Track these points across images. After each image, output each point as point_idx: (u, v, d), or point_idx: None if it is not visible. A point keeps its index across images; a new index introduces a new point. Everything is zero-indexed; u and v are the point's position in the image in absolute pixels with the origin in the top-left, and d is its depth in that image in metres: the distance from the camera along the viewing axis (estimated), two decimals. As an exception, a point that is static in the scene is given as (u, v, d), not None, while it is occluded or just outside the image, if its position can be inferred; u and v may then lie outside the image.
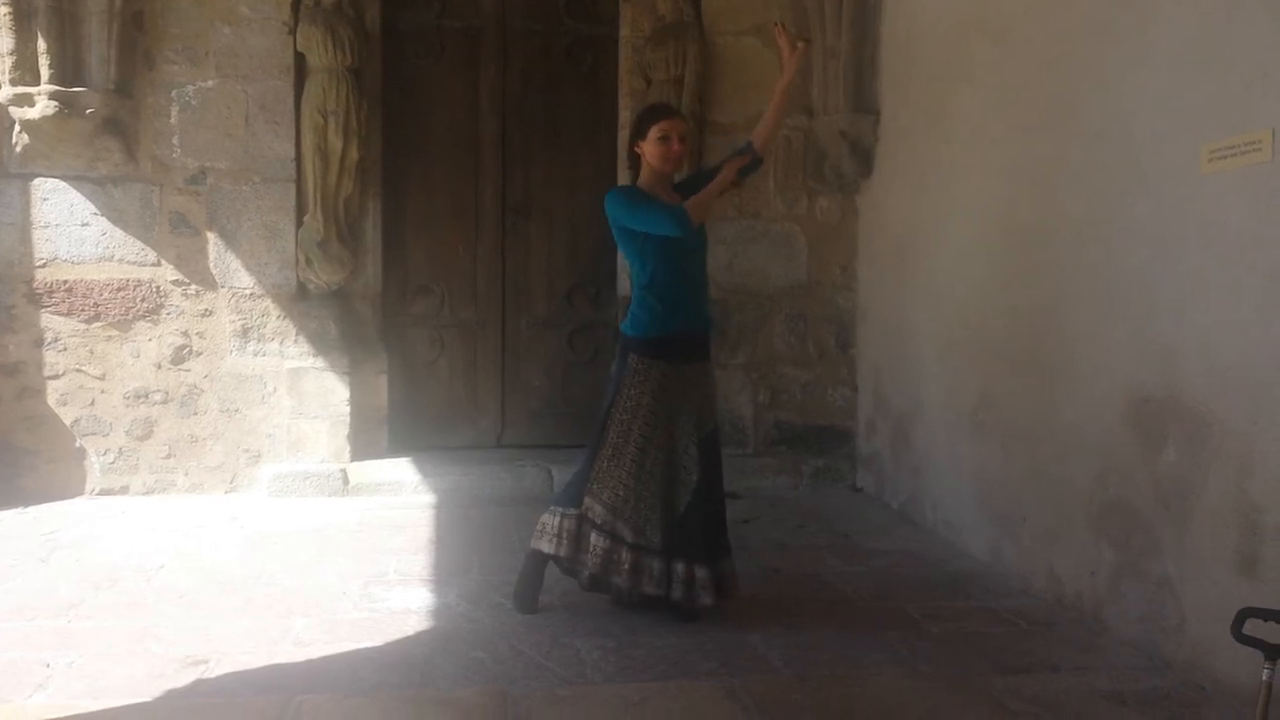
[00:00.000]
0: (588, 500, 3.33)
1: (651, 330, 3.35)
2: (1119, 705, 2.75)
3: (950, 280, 4.56)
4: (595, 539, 3.30)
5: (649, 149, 3.39)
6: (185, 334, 5.20)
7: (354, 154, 5.18)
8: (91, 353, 5.12)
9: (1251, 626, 2.10)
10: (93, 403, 5.12)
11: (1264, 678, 2.06)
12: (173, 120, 5.14)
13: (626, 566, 3.27)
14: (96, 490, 5.12)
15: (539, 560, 3.42)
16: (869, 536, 4.58)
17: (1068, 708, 2.72)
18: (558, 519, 3.36)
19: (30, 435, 5.07)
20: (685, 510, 3.30)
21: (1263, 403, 2.70)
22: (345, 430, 5.27)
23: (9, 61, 4.81)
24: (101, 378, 5.13)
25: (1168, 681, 2.89)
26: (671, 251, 3.32)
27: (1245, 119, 2.76)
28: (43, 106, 4.80)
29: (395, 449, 5.53)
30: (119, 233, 5.12)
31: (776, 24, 3.62)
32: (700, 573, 3.28)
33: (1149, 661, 3.04)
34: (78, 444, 5.11)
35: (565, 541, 3.34)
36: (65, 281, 5.08)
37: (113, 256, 5.12)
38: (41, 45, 4.79)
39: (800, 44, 3.49)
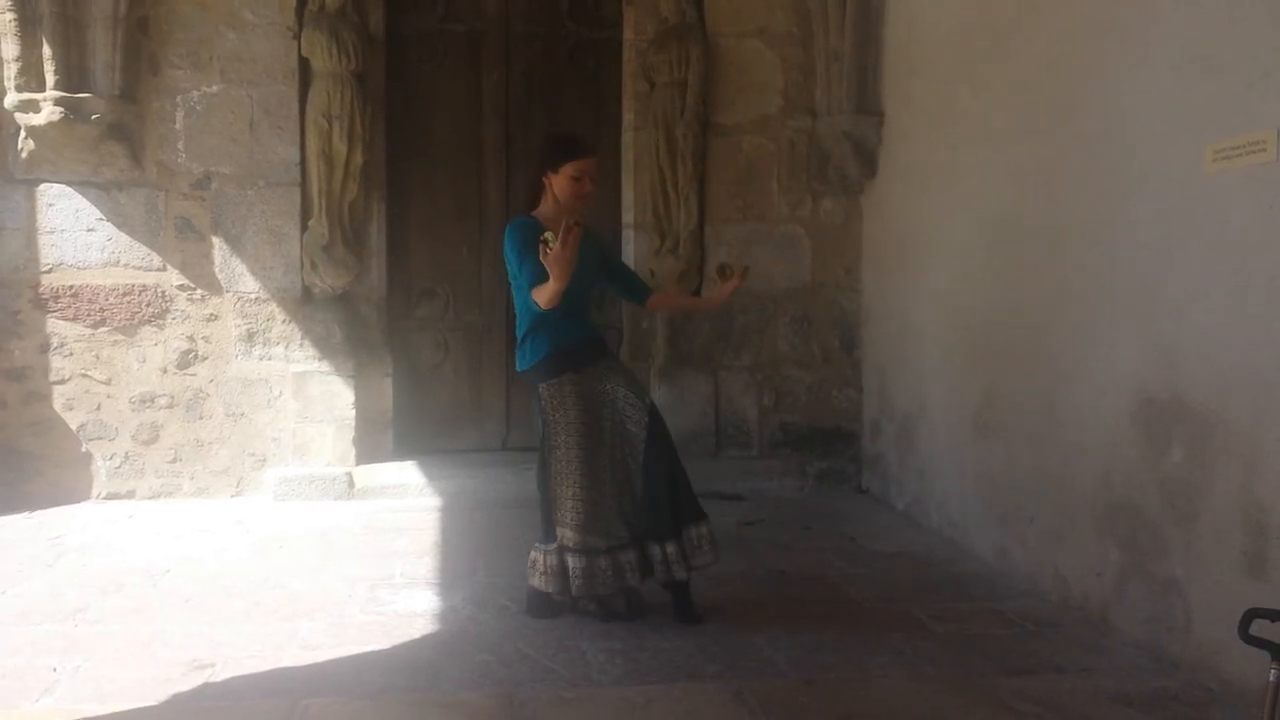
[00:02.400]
0: (559, 530, 3.33)
1: (540, 352, 3.30)
2: (1125, 706, 2.74)
3: (953, 281, 4.55)
4: (573, 563, 3.30)
5: (560, 184, 3.31)
6: (191, 339, 5.21)
7: (358, 158, 5.20)
8: (97, 358, 5.13)
9: (1258, 627, 2.10)
10: (99, 407, 5.14)
11: (1271, 678, 2.05)
12: (178, 125, 5.16)
13: (609, 572, 3.29)
14: (103, 495, 5.13)
15: (539, 592, 3.44)
16: (874, 538, 4.57)
17: (1073, 709, 2.72)
18: (542, 555, 3.39)
19: (37, 440, 5.08)
20: (643, 493, 3.32)
21: (1267, 403, 2.70)
22: (350, 434, 5.28)
23: (14, 67, 4.83)
24: (107, 382, 5.14)
25: (1174, 682, 2.89)
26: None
27: (1248, 120, 2.75)
28: (48, 112, 4.82)
29: (400, 452, 5.53)
30: (124, 238, 5.13)
31: (745, 269, 3.49)
32: (670, 548, 3.30)
33: (1155, 662, 3.04)
34: (84, 448, 5.12)
35: (552, 578, 3.35)
36: (71, 286, 5.10)
37: (118, 261, 5.14)
38: (47, 51, 4.81)
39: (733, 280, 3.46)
